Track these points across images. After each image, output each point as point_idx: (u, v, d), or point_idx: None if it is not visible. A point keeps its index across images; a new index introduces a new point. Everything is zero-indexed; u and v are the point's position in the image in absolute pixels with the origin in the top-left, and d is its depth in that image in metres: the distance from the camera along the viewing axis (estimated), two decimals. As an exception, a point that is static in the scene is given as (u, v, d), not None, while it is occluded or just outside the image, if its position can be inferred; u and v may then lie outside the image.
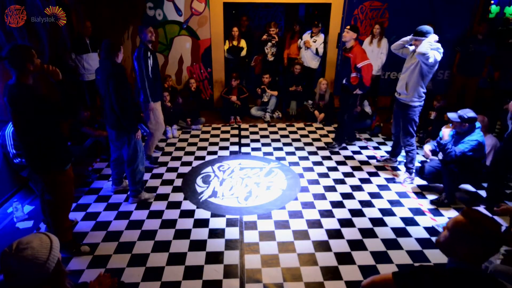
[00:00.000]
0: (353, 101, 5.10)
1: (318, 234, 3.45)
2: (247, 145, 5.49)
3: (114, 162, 4.01)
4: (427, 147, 4.05)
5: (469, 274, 1.45)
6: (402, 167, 4.73)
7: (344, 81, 4.99)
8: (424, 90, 4.08)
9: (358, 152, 5.26)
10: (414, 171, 4.38)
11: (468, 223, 1.46)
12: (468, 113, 3.59)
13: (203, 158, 5.05)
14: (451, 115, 3.63)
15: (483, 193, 4.15)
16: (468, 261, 1.47)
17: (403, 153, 4.72)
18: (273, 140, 5.67)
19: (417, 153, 4.45)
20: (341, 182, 4.43)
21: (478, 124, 3.66)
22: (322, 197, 4.09)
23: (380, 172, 4.67)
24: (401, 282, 1.51)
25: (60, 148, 2.82)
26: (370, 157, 5.10)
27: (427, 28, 3.85)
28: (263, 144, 5.51)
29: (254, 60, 6.86)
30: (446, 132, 3.76)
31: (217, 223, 3.61)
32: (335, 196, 4.11)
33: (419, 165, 4.56)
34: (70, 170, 2.96)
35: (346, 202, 3.99)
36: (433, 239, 3.36)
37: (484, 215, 1.49)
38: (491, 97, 6.04)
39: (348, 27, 4.74)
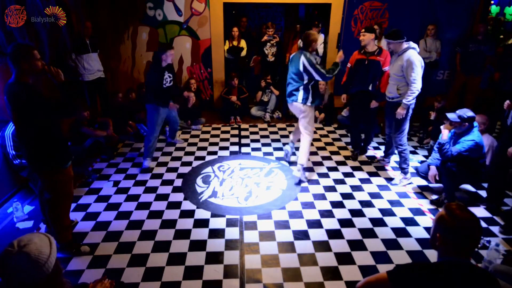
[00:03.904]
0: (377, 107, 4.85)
1: (318, 234, 3.45)
2: (247, 145, 5.49)
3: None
4: (433, 171, 4.00)
5: (457, 266, 1.51)
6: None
7: (370, 88, 4.63)
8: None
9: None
10: (408, 171, 4.37)
11: (447, 216, 1.54)
12: (467, 112, 3.59)
13: (203, 158, 5.05)
14: (451, 116, 3.63)
15: (483, 193, 4.16)
16: (454, 253, 1.53)
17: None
18: (273, 140, 5.68)
19: (408, 146, 4.39)
20: (341, 182, 4.43)
21: (475, 124, 3.66)
22: (322, 197, 4.09)
23: (380, 172, 4.67)
24: (396, 279, 1.57)
25: (59, 147, 2.83)
26: (370, 157, 5.10)
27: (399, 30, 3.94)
28: (263, 144, 5.51)
29: (253, 61, 6.86)
30: (445, 132, 3.76)
31: (217, 223, 3.61)
32: (335, 196, 4.11)
33: (419, 165, 4.57)
34: (69, 169, 2.96)
35: (346, 202, 3.99)
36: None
37: (463, 208, 1.55)
38: (492, 97, 6.04)
39: (363, 29, 4.48)
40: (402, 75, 4.03)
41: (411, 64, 3.88)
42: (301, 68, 3.99)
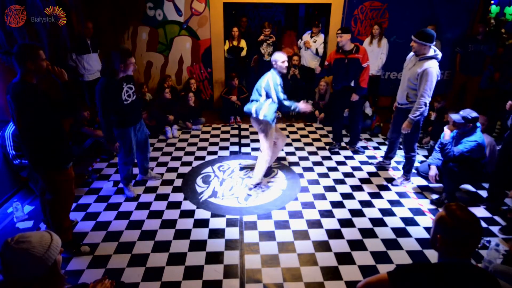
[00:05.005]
0: (361, 101, 5.10)
1: (318, 234, 3.45)
2: (247, 145, 5.49)
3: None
4: (433, 170, 3.98)
5: (457, 267, 1.51)
6: (399, 168, 4.72)
7: (352, 84, 4.84)
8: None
9: (358, 152, 5.26)
10: (411, 175, 4.37)
11: (447, 217, 1.53)
12: (471, 113, 3.59)
13: (203, 158, 5.05)
14: (455, 117, 3.61)
15: (483, 193, 4.16)
16: (455, 254, 1.53)
17: (399, 152, 4.71)
18: (273, 140, 5.67)
19: (417, 153, 4.41)
20: (341, 182, 4.43)
21: (478, 124, 3.66)
22: (322, 197, 4.09)
23: (380, 172, 4.67)
24: (396, 280, 1.56)
25: (62, 147, 2.84)
26: (370, 157, 5.10)
27: (432, 32, 3.72)
28: (263, 144, 5.50)
29: (254, 60, 6.86)
30: (447, 132, 3.75)
31: (217, 223, 3.61)
32: (335, 196, 4.11)
33: (419, 165, 4.57)
34: (71, 169, 2.97)
35: (346, 202, 3.99)
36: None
37: (463, 209, 1.54)
38: (492, 97, 6.04)
39: (339, 31, 4.68)
40: (416, 84, 3.83)
41: (426, 75, 3.66)
42: (263, 85, 4.01)
